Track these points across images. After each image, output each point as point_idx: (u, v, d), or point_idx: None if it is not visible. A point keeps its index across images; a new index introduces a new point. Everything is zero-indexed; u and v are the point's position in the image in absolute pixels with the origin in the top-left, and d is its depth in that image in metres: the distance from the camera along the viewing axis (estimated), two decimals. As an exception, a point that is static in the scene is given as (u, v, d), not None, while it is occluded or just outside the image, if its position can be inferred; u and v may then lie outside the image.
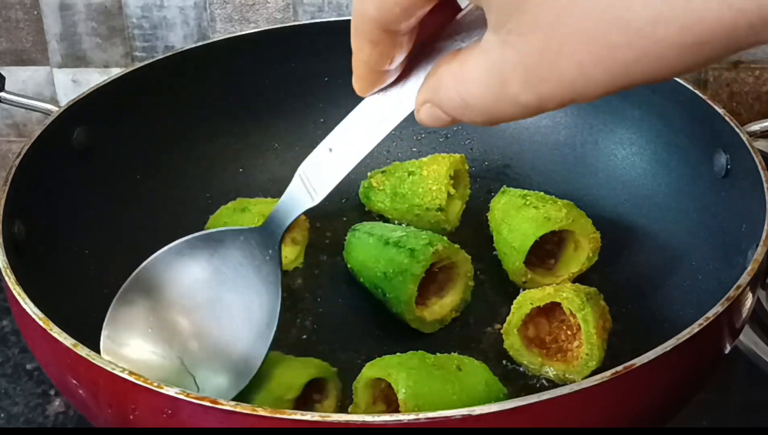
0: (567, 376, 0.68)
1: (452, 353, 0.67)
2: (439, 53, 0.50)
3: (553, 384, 0.68)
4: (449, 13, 0.50)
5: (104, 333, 0.61)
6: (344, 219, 0.83)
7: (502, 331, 0.69)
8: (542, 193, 0.77)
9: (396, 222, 0.81)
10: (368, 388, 0.63)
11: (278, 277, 0.63)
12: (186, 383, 0.61)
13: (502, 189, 0.80)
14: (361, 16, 0.47)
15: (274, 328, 0.63)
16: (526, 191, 0.78)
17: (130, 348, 0.61)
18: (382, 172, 0.83)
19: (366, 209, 0.84)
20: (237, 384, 0.62)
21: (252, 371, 0.62)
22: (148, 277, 0.64)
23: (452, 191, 0.80)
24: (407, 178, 0.80)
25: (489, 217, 0.79)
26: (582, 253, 0.74)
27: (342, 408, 0.66)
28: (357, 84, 0.53)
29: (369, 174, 0.84)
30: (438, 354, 0.66)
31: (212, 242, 0.65)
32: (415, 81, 0.52)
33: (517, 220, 0.75)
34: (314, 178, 0.60)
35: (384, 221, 0.81)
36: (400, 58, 0.50)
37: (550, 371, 0.68)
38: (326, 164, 0.60)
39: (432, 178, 0.79)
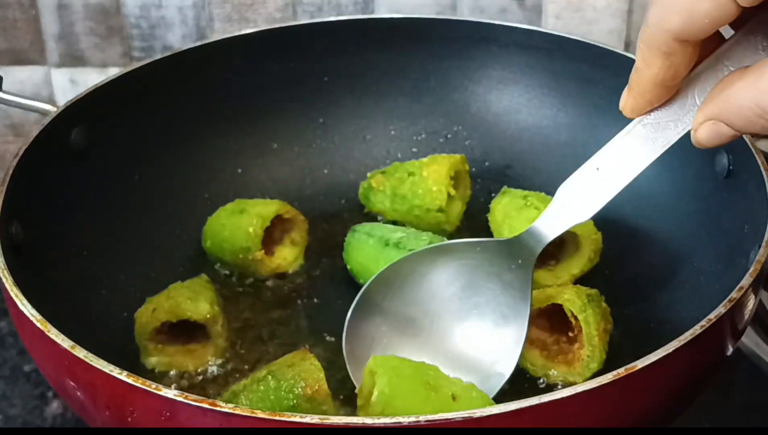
0: (569, 378, 0.67)
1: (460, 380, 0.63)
2: (712, 73, 0.54)
3: (554, 386, 0.68)
4: (717, 38, 0.54)
5: (346, 348, 0.65)
6: (344, 220, 0.82)
7: None
8: (543, 193, 0.77)
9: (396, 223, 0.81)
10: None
11: (527, 293, 0.64)
12: None
13: (502, 190, 0.80)
14: (659, 28, 0.50)
15: (522, 346, 0.64)
16: (527, 192, 0.78)
17: (374, 353, 0.63)
18: (382, 172, 0.82)
19: (365, 211, 0.83)
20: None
21: (495, 387, 0.64)
22: (389, 284, 0.66)
23: (452, 192, 0.79)
24: (407, 179, 0.80)
25: (489, 218, 0.79)
26: (583, 255, 0.74)
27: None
28: (632, 102, 0.56)
29: (369, 175, 0.83)
30: (448, 375, 0.62)
31: (450, 253, 0.67)
32: (692, 100, 0.55)
33: (519, 221, 0.74)
34: (580, 197, 0.61)
35: (385, 222, 0.81)
36: (684, 73, 0.53)
37: (552, 373, 0.68)
38: (594, 184, 0.60)
39: (432, 179, 0.79)
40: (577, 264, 0.74)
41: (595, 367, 0.66)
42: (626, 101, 0.56)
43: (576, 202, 0.61)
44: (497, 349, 0.66)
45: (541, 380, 0.68)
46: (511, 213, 0.76)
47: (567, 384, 0.67)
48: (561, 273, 0.74)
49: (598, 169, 0.60)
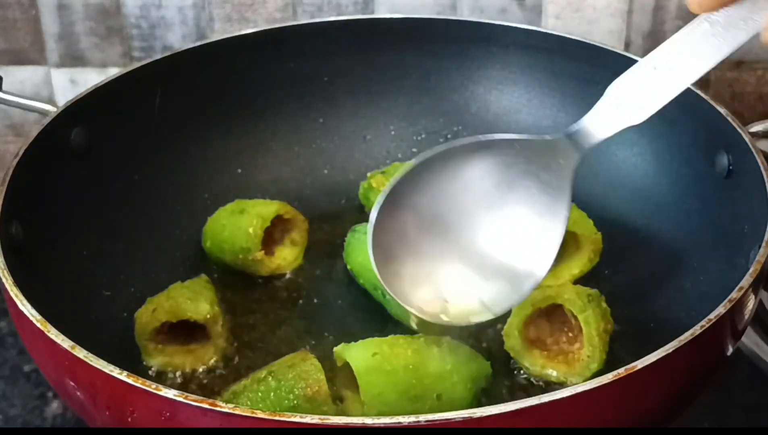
0: (569, 378, 0.67)
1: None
2: None
3: (553, 386, 0.68)
4: None
5: (371, 243, 0.59)
6: (344, 220, 0.82)
7: (503, 332, 0.69)
8: None
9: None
10: None
11: (566, 194, 0.60)
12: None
13: None
14: None
15: (557, 249, 0.60)
16: None
17: (401, 250, 0.60)
18: (382, 172, 0.82)
19: (366, 210, 0.83)
20: (510, 296, 0.61)
21: (527, 290, 0.60)
22: (419, 178, 0.60)
23: None
24: None
25: None
26: (583, 255, 0.74)
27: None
28: None
29: (369, 175, 0.83)
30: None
31: (487, 148, 0.61)
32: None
33: None
34: (634, 97, 0.57)
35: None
36: None
37: (552, 373, 0.68)
38: (650, 83, 0.56)
39: None
40: (577, 264, 0.74)
41: (595, 368, 0.66)
42: None
43: (629, 102, 0.57)
44: (531, 250, 0.61)
45: (541, 380, 0.68)
46: None
47: (567, 384, 0.67)
48: (561, 273, 0.74)
49: (655, 67, 0.56)
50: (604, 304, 0.68)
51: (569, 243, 0.74)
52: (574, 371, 0.67)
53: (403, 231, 0.61)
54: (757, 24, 0.52)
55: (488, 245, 0.62)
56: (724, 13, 0.53)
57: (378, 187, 0.82)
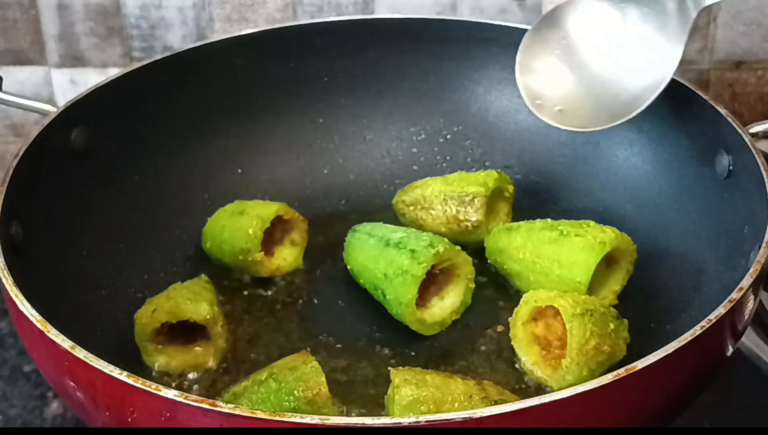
0: (548, 382, 0.67)
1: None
2: None
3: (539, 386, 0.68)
4: None
5: (522, 45, 0.78)
6: (344, 220, 0.82)
7: (510, 319, 0.69)
8: (550, 219, 0.75)
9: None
10: None
11: (680, 48, 0.71)
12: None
13: (499, 227, 0.78)
14: None
15: (664, 84, 0.71)
16: (539, 223, 0.75)
17: (540, 62, 0.77)
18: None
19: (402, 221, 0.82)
20: (609, 118, 0.73)
21: (626, 115, 0.72)
22: (564, 12, 0.78)
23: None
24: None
25: (498, 260, 0.77)
26: (622, 269, 0.73)
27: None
28: None
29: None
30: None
31: None
32: None
33: (566, 252, 0.71)
34: None
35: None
36: None
37: (538, 372, 0.67)
38: None
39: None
40: (617, 280, 0.73)
41: (570, 380, 0.64)
42: None
43: None
44: (647, 73, 0.73)
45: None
46: (543, 248, 0.73)
47: (546, 388, 0.67)
48: (602, 292, 0.73)
49: None
50: (611, 325, 0.66)
51: (608, 262, 0.73)
52: (553, 377, 0.66)
53: (547, 42, 0.78)
54: None
55: (608, 69, 0.76)
56: None
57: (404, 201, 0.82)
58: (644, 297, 0.74)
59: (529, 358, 0.68)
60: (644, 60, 0.74)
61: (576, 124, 0.75)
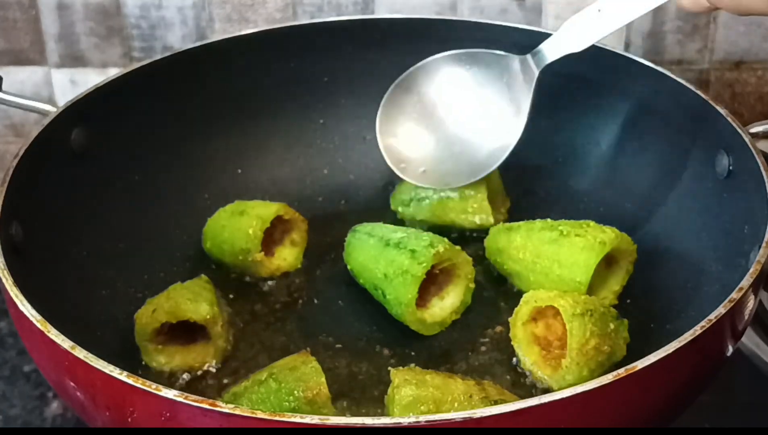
0: (549, 382, 0.67)
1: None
2: None
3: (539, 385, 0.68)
4: None
5: (380, 113, 0.81)
6: (344, 220, 0.82)
7: (510, 319, 0.69)
8: (549, 219, 0.75)
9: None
10: None
11: (527, 103, 0.77)
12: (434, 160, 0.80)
13: (499, 227, 0.78)
14: None
15: (511, 147, 0.77)
16: (539, 223, 0.75)
17: (400, 128, 0.81)
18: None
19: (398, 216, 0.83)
20: (468, 176, 0.79)
21: (484, 171, 0.78)
22: (416, 78, 0.81)
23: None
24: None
25: (498, 260, 0.76)
26: (622, 269, 0.73)
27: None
28: None
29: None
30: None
31: (471, 59, 0.80)
32: None
33: (566, 252, 0.71)
34: (580, 32, 0.72)
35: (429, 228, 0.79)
36: None
37: (538, 372, 0.67)
38: (594, 22, 0.71)
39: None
40: (617, 280, 0.73)
41: (570, 380, 0.64)
42: None
43: (576, 36, 0.72)
44: (496, 137, 0.79)
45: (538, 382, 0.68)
46: (543, 248, 0.73)
47: (545, 386, 0.67)
48: (603, 292, 0.73)
49: (599, 10, 0.70)
50: (611, 325, 0.66)
51: (608, 262, 0.73)
52: (553, 377, 0.67)
53: (403, 107, 0.81)
54: None
55: (464, 129, 0.81)
56: None
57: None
58: (644, 297, 0.74)
59: (529, 358, 0.68)
60: (492, 124, 0.79)
61: (439, 182, 0.80)
